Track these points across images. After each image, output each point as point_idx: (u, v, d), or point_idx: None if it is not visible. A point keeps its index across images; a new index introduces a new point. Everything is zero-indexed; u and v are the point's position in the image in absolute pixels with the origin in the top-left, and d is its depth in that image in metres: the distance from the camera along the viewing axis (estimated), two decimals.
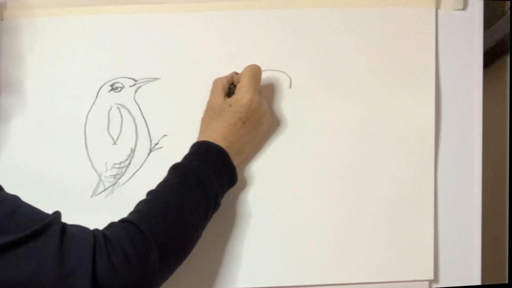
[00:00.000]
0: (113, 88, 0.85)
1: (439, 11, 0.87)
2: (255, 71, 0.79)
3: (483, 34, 0.87)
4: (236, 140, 0.77)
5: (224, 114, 0.77)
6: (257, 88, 0.79)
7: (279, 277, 0.83)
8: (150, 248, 0.64)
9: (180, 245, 0.69)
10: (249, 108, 0.77)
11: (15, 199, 0.64)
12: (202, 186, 0.72)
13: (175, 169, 0.74)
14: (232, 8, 0.86)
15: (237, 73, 0.82)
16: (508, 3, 1.01)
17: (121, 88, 0.85)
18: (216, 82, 0.81)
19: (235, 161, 0.77)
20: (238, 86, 0.79)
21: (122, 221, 0.68)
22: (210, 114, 0.79)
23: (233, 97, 0.78)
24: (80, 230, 0.64)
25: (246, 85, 0.78)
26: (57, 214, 0.64)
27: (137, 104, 0.85)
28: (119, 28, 0.86)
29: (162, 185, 0.73)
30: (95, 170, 0.84)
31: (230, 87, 0.81)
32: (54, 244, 0.59)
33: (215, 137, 0.76)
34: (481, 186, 0.86)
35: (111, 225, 0.67)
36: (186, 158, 0.75)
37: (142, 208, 0.70)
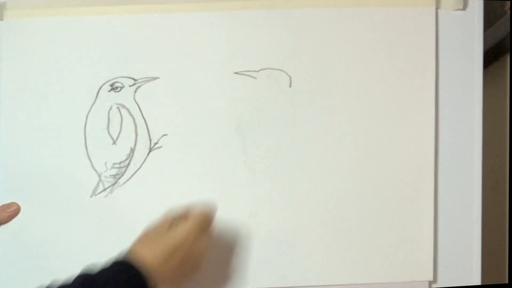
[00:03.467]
0: (113, 88, 0.85)
1: (439, 11, 0.87)
2: (205, 214, 0.76)
3: (483, 34, 0.87)
4: (162, 266, 0.71)
5: (158, 240, 0.72)
6: (201, 227, 0.74)
7: (278, 278, 0.83)
8: None
9: None
10: (186, 239, 0.72)
11: None
12: None
13: (82, 279, 0.68)
14: (232, 8, 0.86)
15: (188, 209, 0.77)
16: (508, 3, 1.02)
17: (121, 87, 0.85)
18: (165, 215, 0.76)
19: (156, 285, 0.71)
20: (184, 224, 0.74)
21: None
22: (143, 238, 0.74)
23: (174, 226, 0.74)
24: None
25: (192, 219, 0.74)
26: None
27: (137, 103, 0.85)
28: (118, 28, 0.86)
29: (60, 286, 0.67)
30: (95, 170, 0.84)
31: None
32: None
33: (140, 259, 0.70)
34: (481, 186, 0.86)
35: None
36: (101, 272, 0.69)
37: None
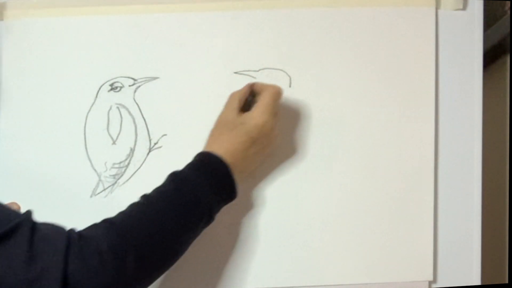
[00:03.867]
0: (113, 88, 0.85)
1: (439, 11, 0.87)
2: (276, 94, 0.77)
3: (483, 34, 0.87)
4: (242, 158, 0.75)
5: (235, 130, 0.75)
6: (274, 110, 0.77)
7: (279, 278, 0.83)
8: (128, 251, 0.62)
9: (161, 253, 0.67)
10: (262, 129, 0.75)
11: None
12: (196, 198, 0.70)
13: (172, 176, 0.72)
14: (232, 8, 0.86)
15: (253, 84, 0.80)
16: (508, 3, 1.01)
17: (121, 87, 0.85)
18: (232, 95, 0.78)
19: (237, 178, 0.75)
20: (256, 105, 0.76)
21: (105, 221, 0.66)
22: (220, 127, 0.77)
23: (248, 114, 0.76)
24: (53, 230, 0.61)
25: (264, 105, 0.76)
26: (27, 214, 0.62)
27: (137, 103, 0.85)
28: (118, 28, 0.86)
29: (156, 191, 0.71)
30: (95, 170, 0.84)
31: (246, 99, 0.79)
32: (22, 247, 0.57)
33: (221, 151, 0.73)
34: (481, 186, 0.86)
35: (92, 225, 0.65)
36: (187, 166, 0.73)
37: (129, 210, 0.68)
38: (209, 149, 0.74)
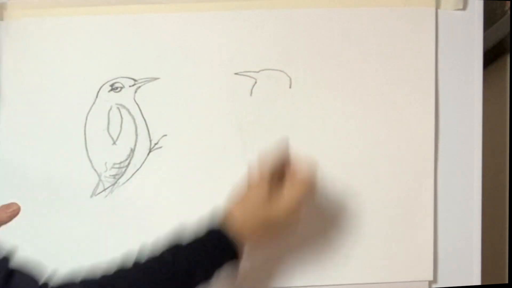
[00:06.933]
0: (113, 88, 0.85)
1: (439, 11, 0.87)
2: (311, 186, 0.74)
3: (483, 34, 0.87)
4: (260, 238, 0.72)
5: (262, 213, 0.70)
6: (301, 204, 0.72)
7: (278, 277, 0.83)
8: None
9: None
10: (286, 221, 0.72)
11: None
12: (191, 276, 0.66)
13: (175, 249, 0.67)
14: (232, 8, 0.86)
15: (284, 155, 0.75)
16: (508, 3, 1.01)
17: (121, 88, 0.85)
18: (262, 174, 0.73)
19: (245, 251, 0.71)
20: (289, 194, 0.71)
21: (84, 281, 0.62)
22: (246, 205, 0.71)
23: (280, 204, 0.71)
24: (26, 282, 0.59)
25: (297, 200, 0.71)
26: (3, 262, 0.60)
27: (137, 104, 0.85)
28: (119, 28, 0.86)
29: (150, 259, 0.66)
30: (95, 170, 0.84)
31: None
32: None
33: (239, 229, 0.69)
34: (481, 186, 0.86)
35: (69, 283, 0.62)
36: (196, 241, 0.68)
37: (113, 274, 0.65)
38: (227, 222, 0.69)
